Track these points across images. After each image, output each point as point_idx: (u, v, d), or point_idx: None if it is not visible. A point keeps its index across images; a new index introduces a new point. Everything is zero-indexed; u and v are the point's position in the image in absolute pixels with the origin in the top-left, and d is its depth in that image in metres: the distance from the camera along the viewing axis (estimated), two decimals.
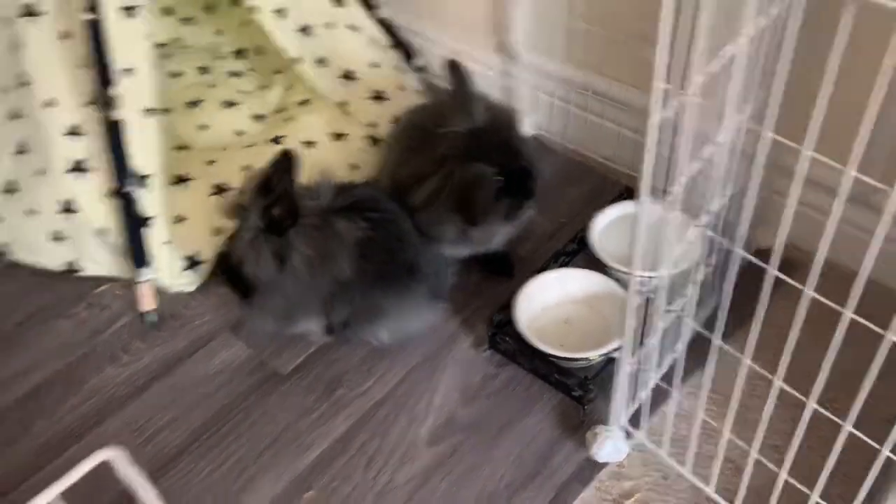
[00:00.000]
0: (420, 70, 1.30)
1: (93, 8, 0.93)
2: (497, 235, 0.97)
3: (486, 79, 1.23)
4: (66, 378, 0.95)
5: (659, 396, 0.82)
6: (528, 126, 1.22)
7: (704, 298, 0.81)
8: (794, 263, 0.64)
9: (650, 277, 0.67)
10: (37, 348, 0.99)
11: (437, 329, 0.97)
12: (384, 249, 0.90)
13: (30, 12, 0.98)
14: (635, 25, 1.00)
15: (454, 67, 0.92)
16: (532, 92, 1.21)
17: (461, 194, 0.90)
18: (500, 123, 0.93)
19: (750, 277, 0.62)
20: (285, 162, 0.82)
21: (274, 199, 0.82)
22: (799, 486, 0.67)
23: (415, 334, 0.95)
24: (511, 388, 0.91)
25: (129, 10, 0.95)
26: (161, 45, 1.33)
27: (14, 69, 1.01)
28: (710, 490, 0.77)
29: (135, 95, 0.97)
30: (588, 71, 1.12)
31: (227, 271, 0.89)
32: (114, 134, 0.95)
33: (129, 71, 0.96)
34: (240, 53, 1.35)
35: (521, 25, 1.16)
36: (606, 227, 1.01)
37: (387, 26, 1.26)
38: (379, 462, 0.86)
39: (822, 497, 0.66)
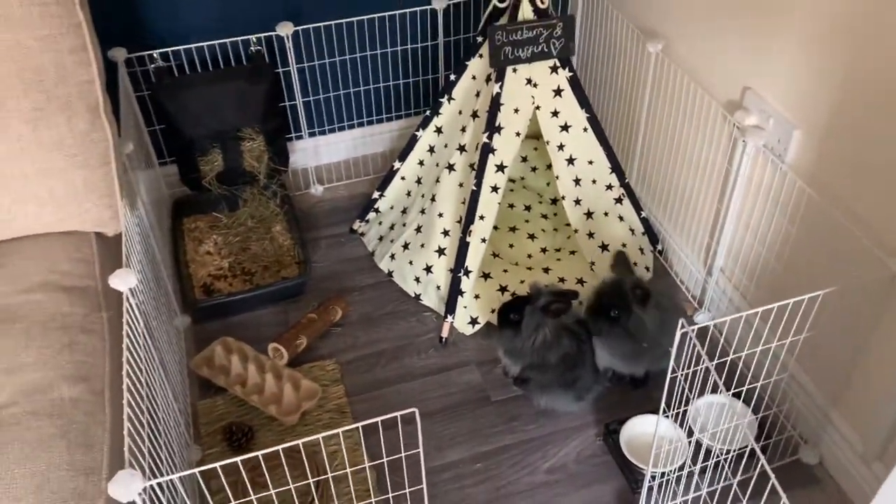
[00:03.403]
0: (659, 253, 1.98)
1: (478, 184, 1.78)
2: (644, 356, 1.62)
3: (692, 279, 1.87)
4: (392, 353, 1.83)
5: None
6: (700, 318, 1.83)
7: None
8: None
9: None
10: (386, 330, 1.88)
11: (578, 416, 1.67)
12: (572, 361, 1.62)
13: (449, 167, 1.87)
14: None
15: (620, 256, 1.62)
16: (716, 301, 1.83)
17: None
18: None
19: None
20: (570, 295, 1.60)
21: (559, 298, 1.58)
22: None
23: (562, 412, 1.66)
24: (603, 466, 1.58)
25: (494, 189, 1.79)
26: (511, 181, 2.17)
27: (431, 190, 1.92)
28: None
29: (480, 230, 1.80)
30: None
31: (501, 315, 1.64)
32: (462, 247, 1.79)
33: (482, 218, 1.79)
34: (553, 202, 2.14)
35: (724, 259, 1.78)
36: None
37: (644, 220, 1.96)
38: (520, 469, 1.58)
39: None
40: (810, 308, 1.27)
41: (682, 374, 1.19)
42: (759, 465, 0.97)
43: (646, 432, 1.58)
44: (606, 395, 1.70)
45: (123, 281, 1.22)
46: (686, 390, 1.22)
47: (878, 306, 1.33)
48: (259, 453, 1.03)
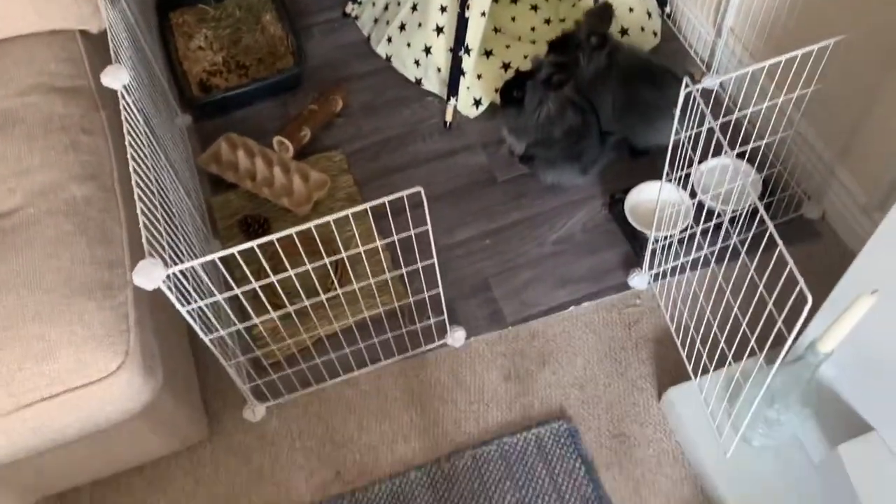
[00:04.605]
0: (668, 16, 1.89)
1: None
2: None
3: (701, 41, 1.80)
4: (397, 140, 1.82)
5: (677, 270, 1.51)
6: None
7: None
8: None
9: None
10: (389, 117, 1.86)
11: (584, 189, 1.69)
12: (577, 134, 1.61)
13: None
14: None
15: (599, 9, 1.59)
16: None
17: None
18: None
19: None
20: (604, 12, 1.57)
21: (561, 67, 1.55)
22: None
23: (567, 187, 1.68)
24: (609, 234, 1.63)
25: None
26: None
27: None
28: (664, 312, 1.47)
29: (479, 3, 1.71)
30: None
31: (504, 93, 1.62)
32: (461, 23, 1.72)
33: None
34: None
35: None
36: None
37: None
38: (528, 242, 1.63)
39: None
40: (819, 60, 1.23)
41: (685, 136, 1.18)
42: (760, 221, 0.99)
43: (650, 199, 1.60)
44: (612, 167, 1.71)
45: (116, 77, 1.19)
46: (690, 153, 1.22)
47: (890, 53, 1.29)
48: (274, 236, 1.07)
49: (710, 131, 1.09)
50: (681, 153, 1.22)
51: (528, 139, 1.64)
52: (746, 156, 1.51)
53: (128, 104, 1.20)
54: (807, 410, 1.16)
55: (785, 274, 0.93)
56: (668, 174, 1.28)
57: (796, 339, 1.17)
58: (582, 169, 1.64)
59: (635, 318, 1.50)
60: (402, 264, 1.31)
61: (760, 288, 1.02)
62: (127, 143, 1.14)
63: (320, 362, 1.41)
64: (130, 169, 1.09)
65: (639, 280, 1.53)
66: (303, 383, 1.44)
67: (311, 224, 1.07)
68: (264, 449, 1.40)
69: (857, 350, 1.03)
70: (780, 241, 0.94)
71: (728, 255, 1.38)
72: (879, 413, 1.09)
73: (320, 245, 1.19)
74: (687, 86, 1.10)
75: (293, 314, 1.26)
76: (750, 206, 1.44)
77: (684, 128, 1.19)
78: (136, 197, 1.07)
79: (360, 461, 1.38)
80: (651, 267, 1.51)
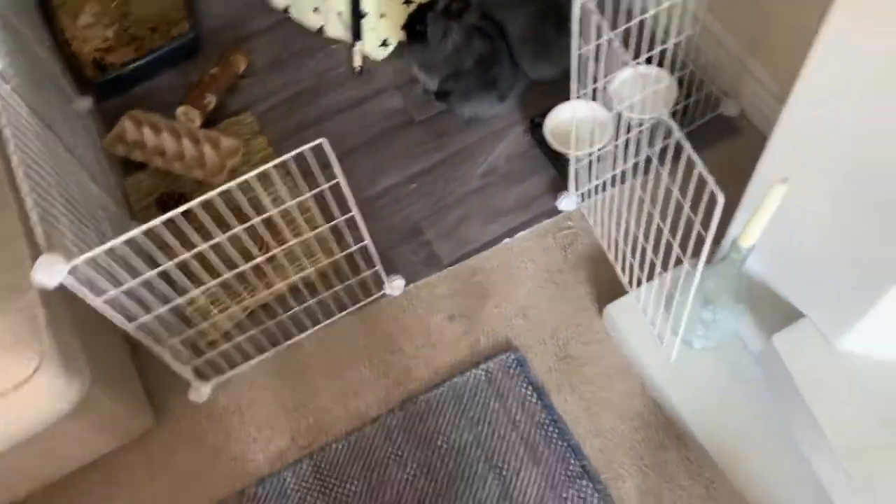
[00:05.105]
0: None
1: None
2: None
3: None
4: (307, 94, 1.76)
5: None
6: None
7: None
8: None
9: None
10: (296, 71, 1.79)
11: (504, 117, 1.66)
12: (488, 62, 1.57)
13: None
14: None
15: None
16: None
17: None
18: None
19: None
20: None
21: None
22: None
23: (487, 118, 1.65)
24: (533, 160, 1.61)
25: None
26: None
27: None
28: (595, 231, 1.47)
29: None
30: None
31: (408, 29, 1.56)
32: None
33: None
34: None
35: None
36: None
37: None
38: (453, 181, 1.61)
39: None
40: None
41: (586, 50, 1.16)
42: (680, 126, 0.98)
43: (569, 119, 1.58)
44: (531, 91, 1.68)
45: None
46: (594, 66, 1.19)
47: None
48: (177, 211, 1.03)
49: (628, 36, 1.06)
50: (586, 69, 1.19)
51: (440, 74, 1.60)
52: (657, 60, 1.49)
53: (4, 93, 1.13)
54: (740, 307, 1.17)
55: (696, 176, 0.92)
56: (577, 91, 1.26)
57: (718, 240, 1.17)
58: (499, 96, 1.61)
59: (569, 241, 1.50)
60: (325, 221, 1.28)
61: (675, 194, 1.02)
62: (10, 134, 1.08)
63: (259, 332, 1.38)
64: (13, 162, 1.03)
65: (567, 202, 1.52)
66: (245, 356, 1.41)
67: (213, 194, 1.02)
68: (215, 427, 1.38)
69: (777, 240, 1.04)
70: (686, 145, 0.93)
71: (652, 166, 1.37)
72: (806, 299, 1.11)
73: (239, 207, 1.15)
74: None
75: (223, 287, 1.22)
76: (669, 112, 1.43)
77: (587, 41, 1.16)
78: (24, 191, 1.01)
79: (313, 424, 1.37)
80: (578, 188, 1.50)
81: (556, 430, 1.32)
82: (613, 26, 1.19)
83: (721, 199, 0.86)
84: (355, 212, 1.22)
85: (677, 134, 0.95)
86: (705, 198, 0.90)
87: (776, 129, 0.96)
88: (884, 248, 0.91)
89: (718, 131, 1.56)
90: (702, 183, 0.91)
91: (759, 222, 0.97)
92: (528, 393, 1.36)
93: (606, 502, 1.25)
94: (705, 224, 0.96)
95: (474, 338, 1.42)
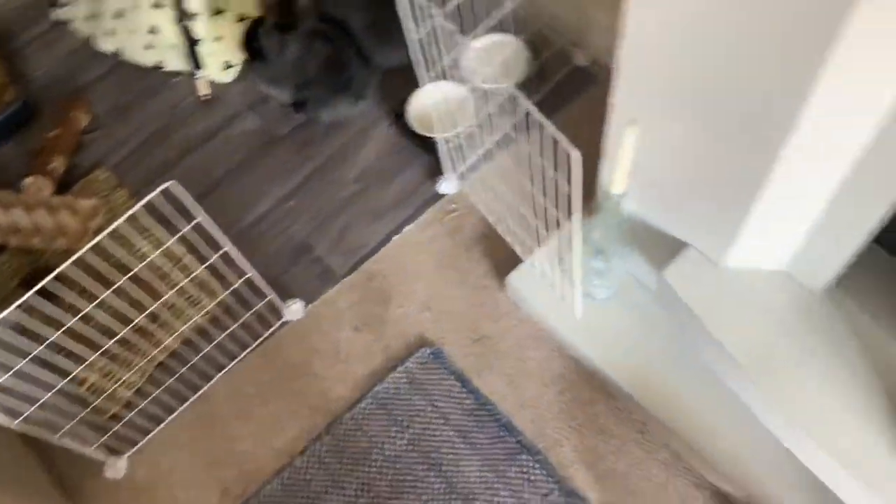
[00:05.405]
0: None
1: None
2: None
3: None
4: (159, 134, 1.68)
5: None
6: None
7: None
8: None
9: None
10: (142, 114, 1.71)
11: (366, 115, 1.63)
12: (337, 64, 1.54)
13: None
14: None
15: None
16: None
17: None
18: None
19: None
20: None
21: (281, 7, 1.44)
22: None
23: (349, 119, 1.62)
24: (404, 152, 1.59)
25: None
26: None
27: None
28: (479, 208, 1.47)
29: None
30: None
31: (246, 45, 1.52)
32: None
33: None
34: None
35: None
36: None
37: None
38: (329, 188, 1.57)
39: None
40: None
41: (421, 33, 1.14)
42: (535, 90, 0.97)
43: (432, 103, 1.56)
44: (387, 83, 1.65)
45: None
46: (436, 45, 1.18)
47: None
48: (30, 294, 0.96)
49: (462, 10, 1.04)
50: (430, 51, 1.17)
51: (289, 85, 1.55)
52: (501, 28, 1.49)
53: None
54: (627, 249, 1.19)
55: (545, 135, 0.92)
56: (428, 76, 1.24)
57: (594, 192, 1.18)
58: (356, 96, 1.58)
59: (457, 224, 1.49)
60: (199, 263, 1.22)
61: (539, 160, 1.01)
62: None
63: (163, 392, 1.31)
64: None
65: (447, 185, 1.51)
66: (155, 420, 1.34)
67: (63, 266, 0.96)
68: (140, 499, 1.31)
69: (646, 179, 1.05)
70: (533, 110, 0.93)
71: (517, 133, 1.36)
72: (685, 228, 1.13)
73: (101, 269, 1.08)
74: None
75: (112, 360, 1.15)
76: (527, 75, 1.43)
77: (418, 24, 1.14)
78: None
79: (242, 471, 1.32)
80: (455, 168, 1.49)
81: (486, 413, 1.31)
82: (443, 3, 1.18)
83: (575, 155, 0.86)
84: (228, 247, 1.17)
85: (524, 103, 0.94)
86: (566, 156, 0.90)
87: (616, 73, 0.97)
88: (740, 168, 0.93)
89: (577, 84, 1.57)
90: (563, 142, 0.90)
91: (622, 168, 0.97)
92: (451, 383, 1.34)
93: (548, 470, 1.25)
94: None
95: (385, 343, 1.40)
